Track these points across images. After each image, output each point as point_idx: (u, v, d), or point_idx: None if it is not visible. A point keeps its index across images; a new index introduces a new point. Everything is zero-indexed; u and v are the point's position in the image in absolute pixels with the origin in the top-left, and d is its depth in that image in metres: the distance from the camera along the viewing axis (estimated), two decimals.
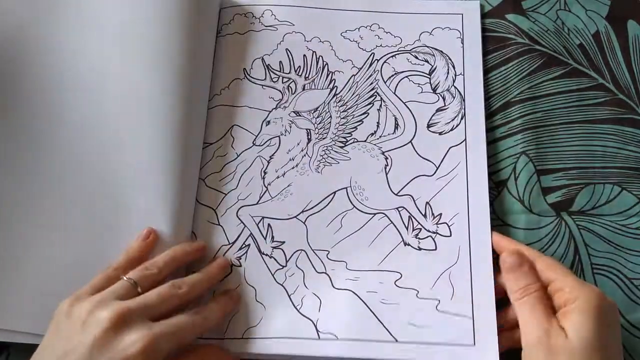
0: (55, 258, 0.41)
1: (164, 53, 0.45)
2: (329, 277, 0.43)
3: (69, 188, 0.43)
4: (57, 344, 0.34)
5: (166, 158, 0.43)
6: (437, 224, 0.44)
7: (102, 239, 0.42)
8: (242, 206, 0.45)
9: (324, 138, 0.47)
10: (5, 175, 0.43)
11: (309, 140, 0.47)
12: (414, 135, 0.47)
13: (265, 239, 0.44)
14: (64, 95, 0.44)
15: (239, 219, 0.45)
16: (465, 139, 0.46)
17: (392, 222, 0.44)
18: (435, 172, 0.45)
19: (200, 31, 0.47)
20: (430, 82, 0.48)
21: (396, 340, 0.41)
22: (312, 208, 0.45)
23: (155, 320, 0.35)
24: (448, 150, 0.46)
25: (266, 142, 0.47)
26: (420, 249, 0.43)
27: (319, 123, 0.47)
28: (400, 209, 0.45)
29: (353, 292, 0.42)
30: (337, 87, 0.49)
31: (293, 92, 0.48)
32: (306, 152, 0.46)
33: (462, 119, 0.47)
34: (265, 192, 0.45)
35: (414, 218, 0.44)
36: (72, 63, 0.45)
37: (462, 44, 0.49)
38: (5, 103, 0.44)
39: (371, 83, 0.49)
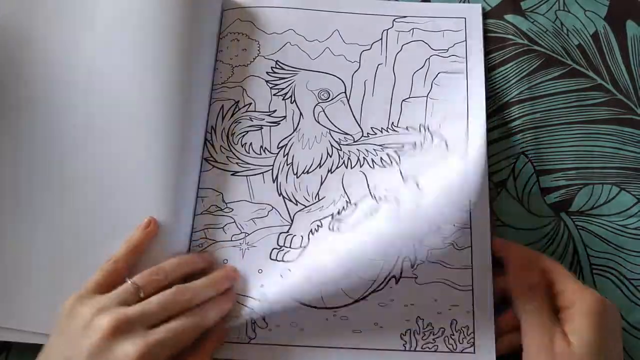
0: (56, 256, 0.41)
1: (163, 51, 0.44)
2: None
3: (68, 184, 0.43)
4: (60, 346, 0.35)
5: (166, 152, 0.43)
6: None
7: (103, 234, 0.42)
8: None
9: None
10: (6, 174, 0.43)
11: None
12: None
13: None
14: (64, 93, 0.44)
15: None
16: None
17: None
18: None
19: (200, 30, 0.47)
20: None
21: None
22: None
23: (154, 326, 0.36)
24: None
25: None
26: None
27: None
28: None
29: None
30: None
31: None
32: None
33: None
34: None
35: None
36: (68, 59, 0.45)
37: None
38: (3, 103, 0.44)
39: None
